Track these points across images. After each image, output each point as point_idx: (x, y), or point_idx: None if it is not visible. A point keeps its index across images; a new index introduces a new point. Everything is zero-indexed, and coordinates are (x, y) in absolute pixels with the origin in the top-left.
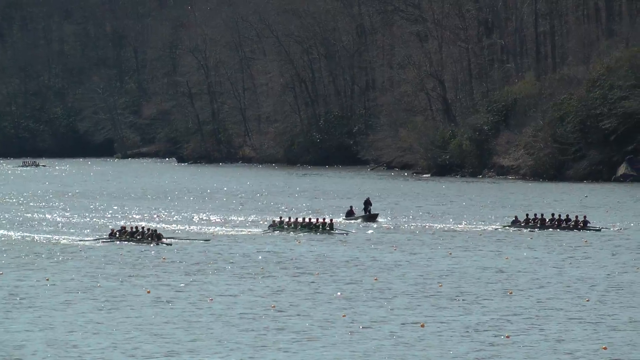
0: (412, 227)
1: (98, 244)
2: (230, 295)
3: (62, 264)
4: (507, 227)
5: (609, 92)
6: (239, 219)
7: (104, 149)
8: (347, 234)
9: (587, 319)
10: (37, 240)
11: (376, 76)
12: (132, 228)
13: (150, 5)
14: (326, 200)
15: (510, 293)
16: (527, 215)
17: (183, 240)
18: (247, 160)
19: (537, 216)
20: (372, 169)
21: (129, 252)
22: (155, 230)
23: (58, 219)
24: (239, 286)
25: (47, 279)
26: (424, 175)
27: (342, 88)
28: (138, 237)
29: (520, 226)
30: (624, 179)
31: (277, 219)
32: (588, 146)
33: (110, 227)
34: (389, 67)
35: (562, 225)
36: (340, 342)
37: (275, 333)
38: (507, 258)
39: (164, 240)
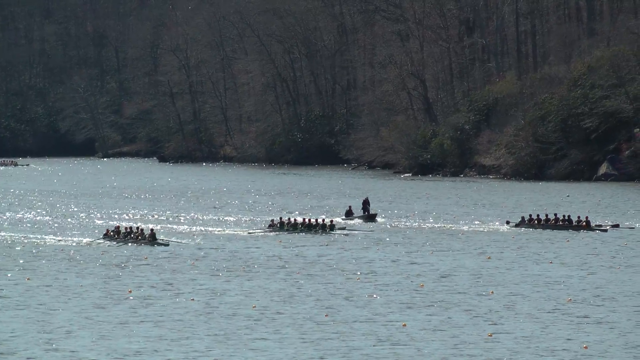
0: (414, 227)
1: (92, 245)
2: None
3: (55, 264)
4: (514, 227)
5: (590, 91)
6: (233, 219)
7: (85, 149)
8: (347, 234)
9: (567, 319)
10: (20, 240)
11: (357, 75)
12: (126, 228)
13: (131, 5)
14: (310, 200)
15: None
16: (530, 215)
17: (179, 241)
18: (228, 159)
19: (540, 217)
20: (353, 169)
21: (123, 253)
22: (151, 230)
23: (39, 219)
24: (228, 284)
25: (28, 279)
26: (405, 175)
27: (324, 87)
28: (133, 238)
29: (526, 226)
30: (605, 178)
31: (277, 219)
32: (569, 145)
33: (102, 227)
34: (370, 67)
35: (567, 225)
36: (320, 341)
37: (250, 332)
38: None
39: (159, 240)
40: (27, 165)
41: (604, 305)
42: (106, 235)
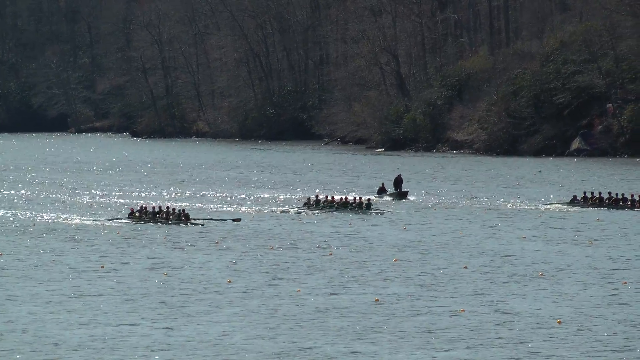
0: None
1: (116, 224)
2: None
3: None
4: (567, 206)
5: (563, 66)
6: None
7: (57, 124)
8: (383, 213)
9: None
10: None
11: (330, 51)
12: (153, 208)
13: None
14: (281, 174)
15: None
16: (584, 193)
17: (213, 221)
18: (201, 135)
19: (594, 195)
20: (325, 144)
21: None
22: (183, 210)
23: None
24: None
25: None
26: (378, 150)
27: (296, 63)
28: (164, 217)
29: (579, 205)
30: (577, 153)
31: (313, 197)
32: (542, 121)
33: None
34: (342, 42)
35: (620, 205)
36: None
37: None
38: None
39: (193, 220)
40: None
41: (579, 281)
42: (131, 215)
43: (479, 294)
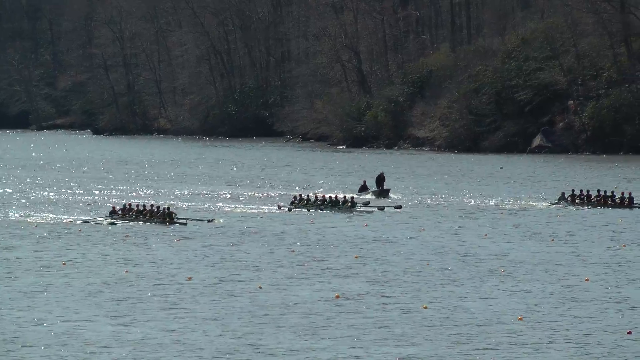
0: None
1: (95, 224)
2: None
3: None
4: (555, 204)
5: (524, 63)
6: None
7: (19, 121)
8: (371, 211)
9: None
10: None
11: (291, 48)
12: (137, 206)
13: None
14: (241, 171)
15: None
16: (572, 191)
17: (192, 220)
18: (163, 132)
19: (582, 192)
20: (287, 141)
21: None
22: (168, 209)
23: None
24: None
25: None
26: (339, 147)
27: (258, 60)
28: (148, 216)
29: (567, 203)
30: (539, 150)
31: (297, 195)
32: (503, 118)
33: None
34: (304, 39)
35: (608, 203)
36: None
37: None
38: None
39: (177, 219)
40: None
41: (542, 279)
42: (113, 213)
43: (441, 291)
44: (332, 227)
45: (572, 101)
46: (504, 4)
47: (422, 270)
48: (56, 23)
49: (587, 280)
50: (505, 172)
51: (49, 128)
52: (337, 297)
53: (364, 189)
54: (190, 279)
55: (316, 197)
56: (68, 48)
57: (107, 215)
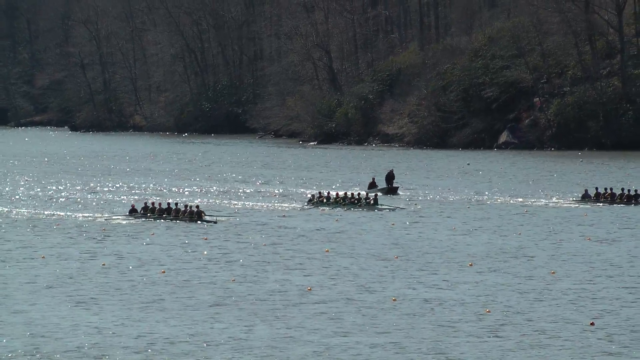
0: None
1: (116, 222)
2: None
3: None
4: (578, 202)
5: (491, 61)
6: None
7: None
8: (394, 209)
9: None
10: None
11: (264, 46)
12: (160, 205)
13: None
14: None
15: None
16: (596, 189)
17: (226, 217)
18: (138, 128)
19: (607, 191)
20: (260, 137)
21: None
22: (197, 207)
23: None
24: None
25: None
26: (311, 143)
27: (231, 58)
28: (173, 215)
29: (591, 201)
30: (505, 146)
31: (317, 194)
32: (471, 115)
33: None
34: (276, 38)
35: (632, 201)
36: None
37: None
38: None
39: (207, 218)
40: None
41: (509, 273)
42: (133, 212)
43: (411, 283)
44: (305, 222)
45: (537, 98)
46: (471, 3)
47: (392, 264)
48: (34, 22)
49: (552, 273)
50: (472, 167)
51: (26, 125)
52: (309, 290)
53: (372, 186)
54: (163, 272)
55: (337, 194)
56: (46, 47)
57: (127, 214)
